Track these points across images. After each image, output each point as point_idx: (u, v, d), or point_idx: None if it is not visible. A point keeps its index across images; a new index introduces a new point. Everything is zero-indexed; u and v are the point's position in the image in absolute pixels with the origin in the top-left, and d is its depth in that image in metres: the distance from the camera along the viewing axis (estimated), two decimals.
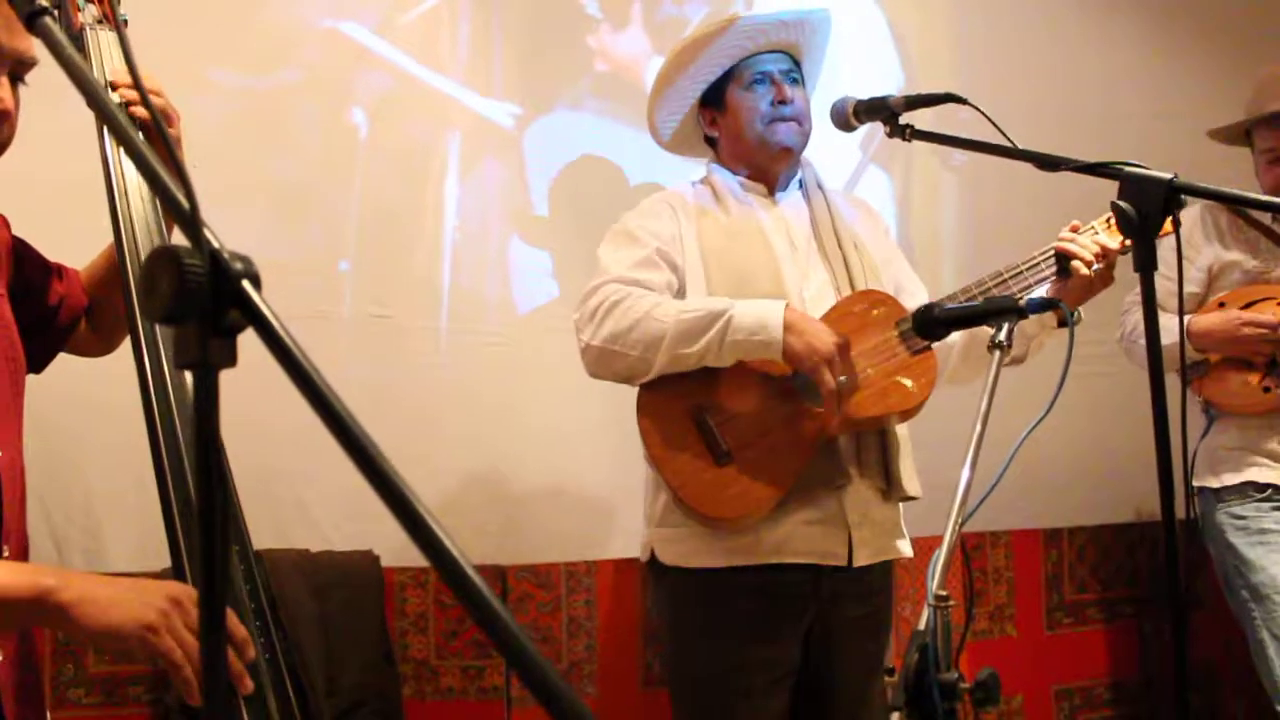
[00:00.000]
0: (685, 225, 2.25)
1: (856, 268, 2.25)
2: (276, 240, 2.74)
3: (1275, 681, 2.73)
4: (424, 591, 2.71)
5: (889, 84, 3.41)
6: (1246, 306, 2.84)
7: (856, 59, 3.08)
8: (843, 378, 2.05)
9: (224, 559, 0.84)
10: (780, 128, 2.28)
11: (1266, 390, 2.79)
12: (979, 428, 1.42)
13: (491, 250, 3.00)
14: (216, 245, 0.75)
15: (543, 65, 3.08)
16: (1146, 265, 1.47)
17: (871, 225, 2.42)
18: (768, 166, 2.33)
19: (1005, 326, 1.54)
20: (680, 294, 2.21)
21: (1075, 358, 2.93)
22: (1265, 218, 2.95)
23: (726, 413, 2.12)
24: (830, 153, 3.19)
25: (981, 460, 1.46)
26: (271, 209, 2.75)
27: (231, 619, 1.23)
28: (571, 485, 2.91)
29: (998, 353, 1.51)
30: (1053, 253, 2.13)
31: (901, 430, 2.24)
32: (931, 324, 1.68)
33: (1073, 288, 2.11)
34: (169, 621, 1.19)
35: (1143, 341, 2.71)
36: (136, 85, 1.24)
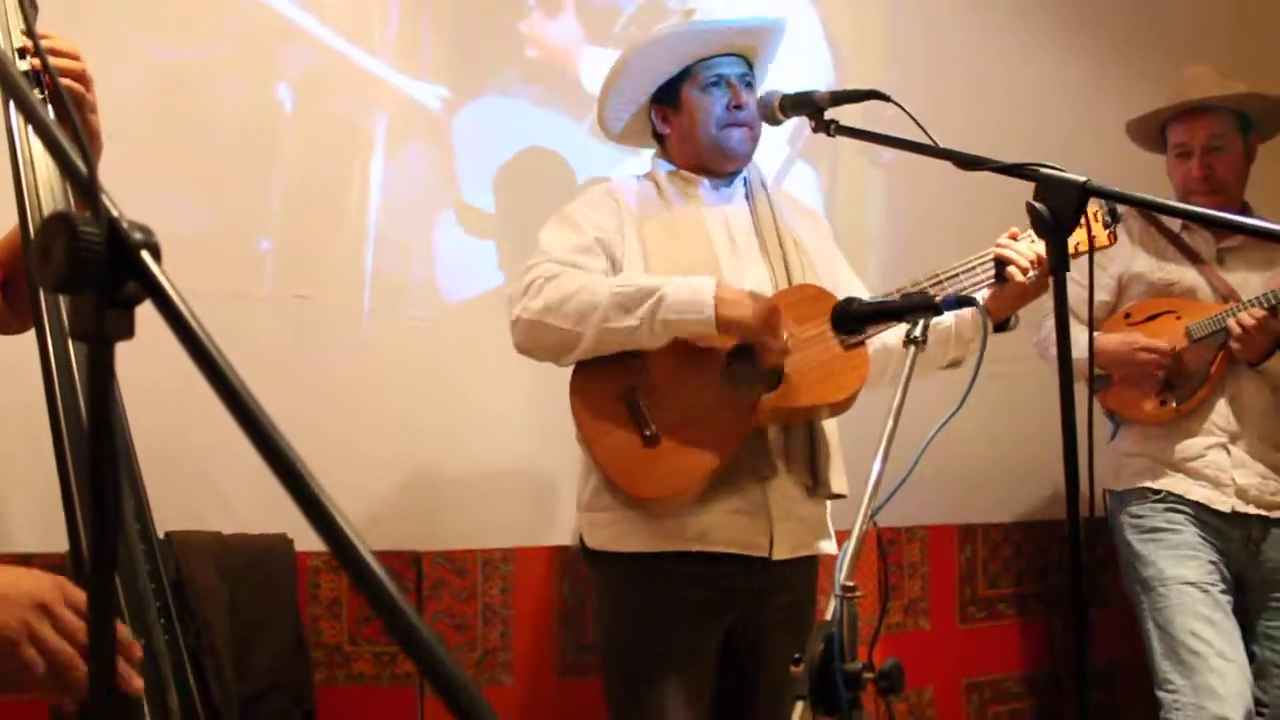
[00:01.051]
0: (627, 220, 2.28)
1: (795, 266, 2.28)
2: (196, 215, 2.68)
3: (1156, 669, 2.86)
4: (338, 576, 2.68)
5: (820, 82, 3.43)
6: (1149, 320, 2.95)
7: (788, 56, 3.09)
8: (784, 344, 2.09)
9: (114, 539, 0.82)
10: (735, 133, 2.33)
11: (1163, 404, 2.94)
12: (891, 423, 1.44)
13: (418, 233, 2.97)
14: (115, 214, 0.74)
15: (473, 49, 3.06)
16: (1059, 267, 1.49)
17: (813, 227, 2.46)
18: (717, 168, 2.37)
19: (920, 323, 1.56)
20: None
21: (996, 358, 2.97)
22: (1176, 225, 3.02)
23: (658, 395, 2.15)
24: (759, 146, 3.22)
25: (900, 456, 1.49)
26: (192, 183, 2.69)
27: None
28: (492, 472, 2.90)
29: (912, 348, 1.54)
30: (991, 258, 2.17)
31: (830, 427, 2.27)
32: (848, 319, 1.70)
33: (1009, 293, 2.18)
34: (33, 629, 1.08)
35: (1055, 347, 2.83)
36: (36, 49, 1.20)
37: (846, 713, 1.22)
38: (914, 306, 1.59)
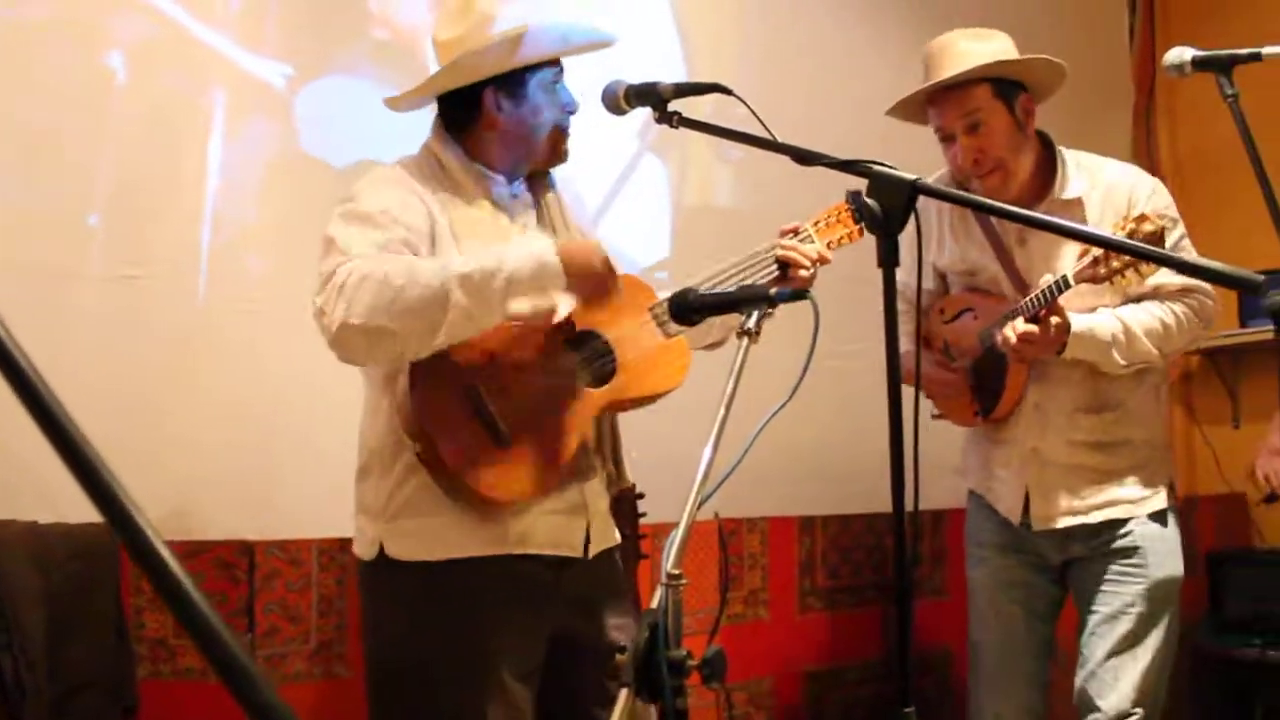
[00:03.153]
0: (436, 212, 2.13)
1: None
2: (18, 188, 2.54)
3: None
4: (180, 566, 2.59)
5: (673, 75, 3.45)
6: (956, 318, 2.84)
7: (639, 47, 3.09)
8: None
9: None
10: (564, 142, 2.27)
11: (976, 414, 2.85)
12: (722, 411, 1.45)
13: (256, 213, 2.88)
14: None
15: (318, 26, 2.97)
16: (889, 261, 1.53)
17: (577, 220, 2.40)
18: (531, 167, 2.29)
19: (754, 314, 1.57)
20: None
21: (834, 352, 3.03)
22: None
23: (501, 391, 2.06)
24: (608, 139, 3.22)
25: (736, 448, 1.49)
26: (13, 154, 2.55)
27: None
28: (329, 460, 2.81)
29: (745, 339, 1.55)
30: (772, 257, 2.23)
31: (620, 415, 2.27)
32: (687, 309, 1.71)
33: (792, 284, 2.22)
34: None
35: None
36: None
37: (669, 700, 1.23)
38: (749, 298, 1.60)
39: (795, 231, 2.29)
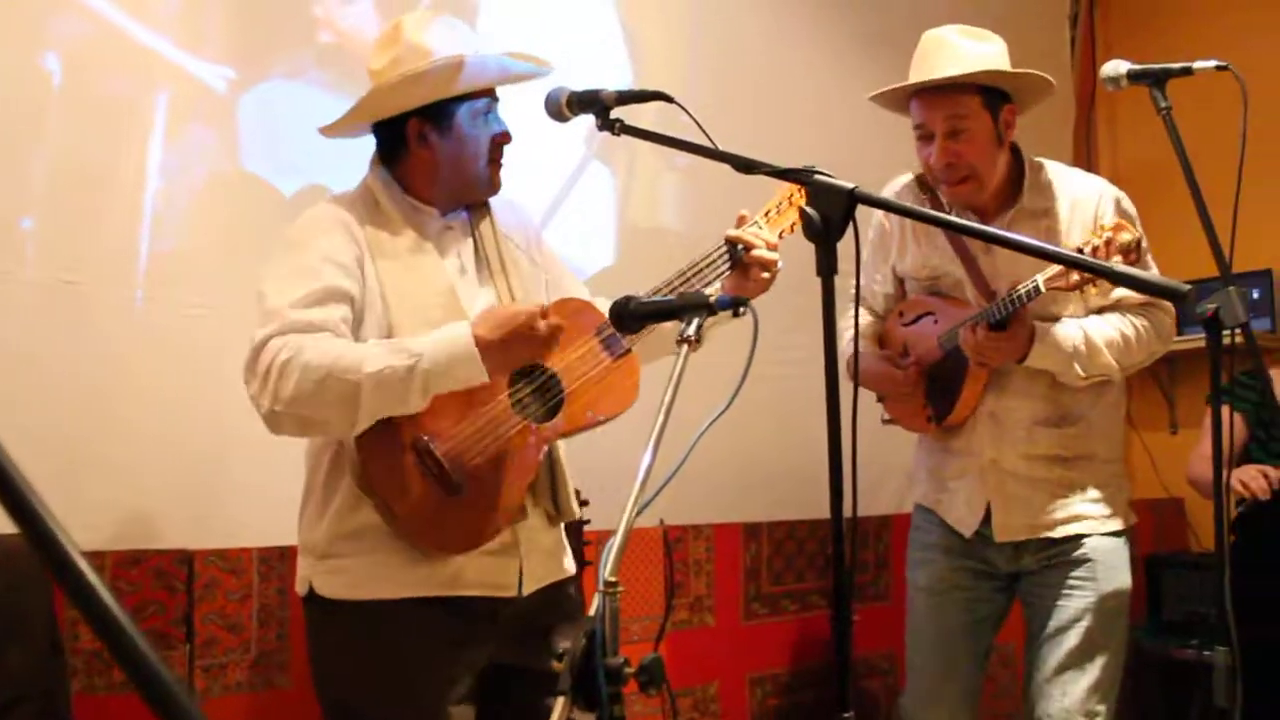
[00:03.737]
0: (365, 253, 2.11)
1: (518, 287, 2.23)
2: None
3: None
4: (99, 576, 2.54)
5: (620, 82, 3.45)
6: (916, 321, 2.81)
7: (584, 53, 3.10)
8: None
9: None
10: (497, 170, 2.23)
11: (929, 419, 2.81)
12: (661, 418, 1.45)
13: (197, 217, 2.84)
14: None
15: (262, 29, 2.93)
16: (828, 270, 1.53)
17: (522, 230, 2.36)
18: (466, 200, 2.26)
19: (695, 322, 1.58)
20: (358, 326, 2.08)
21: (777, 359, 3.03)
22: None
23: (449, 437, 2.05)
24: (554, 146, 3.22)
25: (678, 454, 1.50)
26: None
27: None
28: (271, 469, 2.78)
29: (684, 347, 1.55)
30: (723, 254, 2.21)
31: (561, 447, 2.24)
32: (627, 318, 1.70)
33: (748, 278, 2.21)
34: None
35: (840, 335, 2.78)
36: None
37: (606, 708, 1.22)
38: (688, 305, 1.60)
39: (743, 221, 2.27)
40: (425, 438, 2.03)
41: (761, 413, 3.43)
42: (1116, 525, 2.71)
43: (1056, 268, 2.44)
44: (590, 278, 3.25)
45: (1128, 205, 2.70)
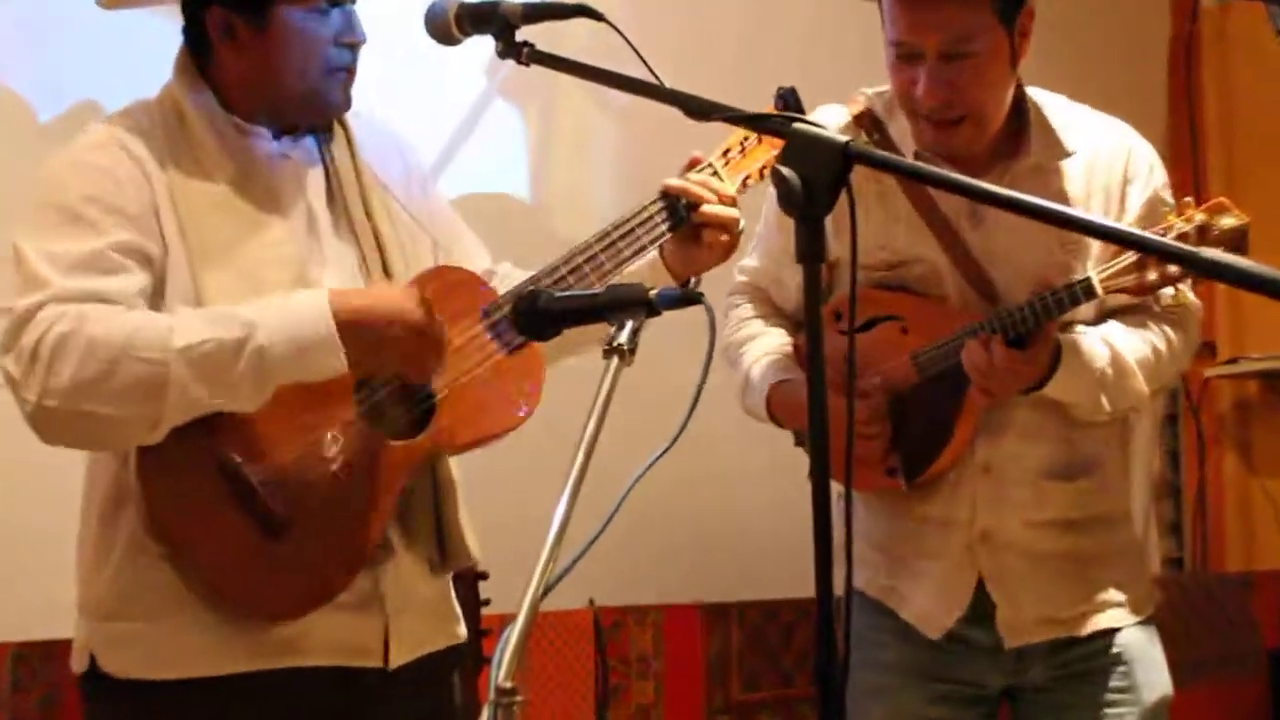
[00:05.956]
0: (160, 192, 2.08)
1: (392, 243, 2.23)
2: None
3: None
4: None
5: None
6: (868, 327, 2.64)
7: None
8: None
9: None
10: (339, 81, 2.21)
11: (890, 472, 2.65)
12: (581, 456, 1.46)
13: None
14: None
15: None
16: (811, 253, 1.54)
17: (403, 168, 2.38)
18: (298, 121, 2.25)
19: (628, 325, 1.58)
20: (159, 297, 2.05)
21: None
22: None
23: (269, 457, 2.04)
24: (445, 77, 3.23)
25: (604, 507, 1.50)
26: None
27: None
28: (35, 537, 2.78)
29: (615, 359, 1.56)
30: (661, 203, 2.21)
31: (452, 466, 2.24)
32: (537, 319, 1.71)
33: (692, 244, 2.22)
34: None
35: (741, 355, 2.73)
36: None
37: None
38: (620, 303, 1.61)
39: (695, 164, 2.28)
40: (235, 458, 2.01)
41: (729, 452, 3.44)
42: (1147, 610, 2.72)
43: (1122, 260, 2.39)
44: (496, 248, 3.27)
45: (1160, 171, 2.65)
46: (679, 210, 2.21)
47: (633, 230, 2.20)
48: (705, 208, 2.21)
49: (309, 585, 2.06)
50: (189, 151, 2.14)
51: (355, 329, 2.00)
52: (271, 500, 2.02)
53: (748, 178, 2.29)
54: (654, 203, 2.22)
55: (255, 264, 2.10)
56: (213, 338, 1.94)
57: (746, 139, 2.30)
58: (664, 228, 2.21)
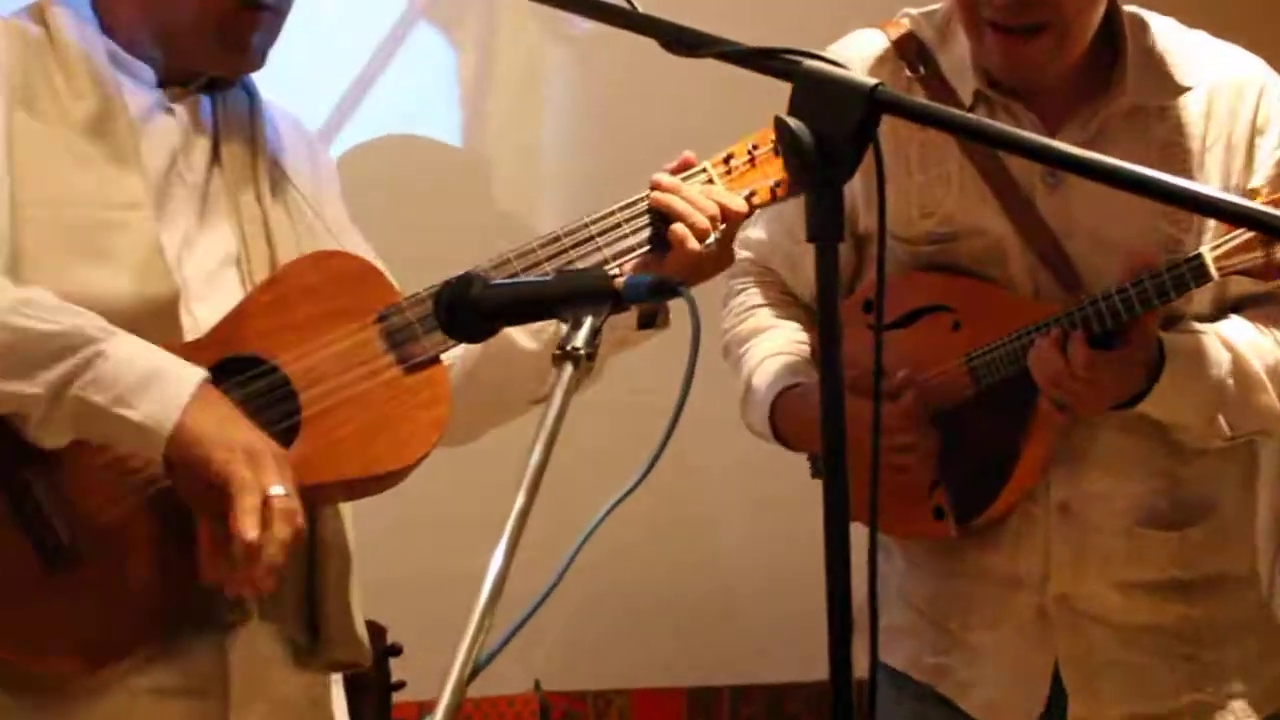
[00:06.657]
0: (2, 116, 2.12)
1: (288, 237, 2.26)
2: None
3: None
4: None
5: None
6: (911, 320, 2.66)
7: None
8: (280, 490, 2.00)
9: None
10: (255, 19, 2.23)
11: (938, 514, 2.66)
12: (523, 497, 1.47)
13: None
14: None
15: None
16: (825, 231, 1.55)
17: (311, 164, 2.43)
18: (190, 63, 2.28)
19: (587, 322, 1.59)
20: None
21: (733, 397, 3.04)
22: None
23: (68, 471, 2.07)
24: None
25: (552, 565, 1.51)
26: None
27: None
28: None
29: (568, 366, 1.56)
30: (645, 209, 2.24)
31: (346, 516, 2.26)
32: (467, 311, 1.71)
33: (673, 265, 2.21)
34: None
35: (743, 355, 2.73)
36: None
37: None
38: (577, 292, 1.62)
39: (685, 168, 2.31)
40: (27, 474, 2.04)
41: (714, 486, 3.45)
42: (1274, 706, 2.70)
43: (1239, 236, 2.40)
44: (408, 229, 3.28)
45: None
46: (657, 227, 2.25)
47: (619, 225, 2.25)
48: (677, 227, 2.22)
49: (94, 633, 2.07)
50: (43, 74, 2.18)
51: (191, 444, 1.99)
52: (59, 522, 2.04)
53: (753, 195, 2.29)
54: (635, 202, 2.27)
55: (93, 226, 2.12)
56: (61, 325, 1.98)
57: (757, 146, 2.30)
58: (643, 235, 2.26)
